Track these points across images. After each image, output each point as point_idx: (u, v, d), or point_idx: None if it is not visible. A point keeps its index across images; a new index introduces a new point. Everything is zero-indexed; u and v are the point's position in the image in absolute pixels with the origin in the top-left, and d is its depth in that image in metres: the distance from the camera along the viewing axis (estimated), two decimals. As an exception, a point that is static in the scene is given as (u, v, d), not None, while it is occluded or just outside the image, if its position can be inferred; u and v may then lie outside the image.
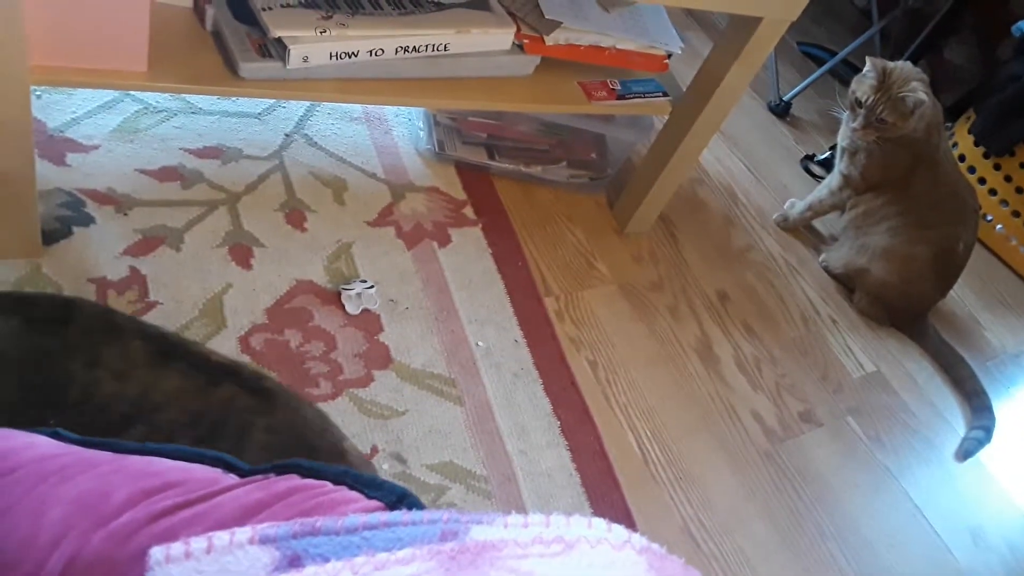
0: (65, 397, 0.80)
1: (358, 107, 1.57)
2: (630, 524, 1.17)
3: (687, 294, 1.55)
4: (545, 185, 1.60)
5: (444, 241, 1.41)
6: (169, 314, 1.15)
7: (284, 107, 1.50)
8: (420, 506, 0.55)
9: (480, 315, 1.32)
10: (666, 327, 1.47)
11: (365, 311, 1.25)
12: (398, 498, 0.56)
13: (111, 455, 0.54)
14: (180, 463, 0.56)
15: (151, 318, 1.13)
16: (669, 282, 1.56)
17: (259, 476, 0.57)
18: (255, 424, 0.83)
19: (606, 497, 1.19)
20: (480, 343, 1.29)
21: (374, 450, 1.11)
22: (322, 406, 1.11)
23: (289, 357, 1.16)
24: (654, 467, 1.26)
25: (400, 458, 1.12)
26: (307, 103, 1.52)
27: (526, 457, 1.18)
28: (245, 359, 1.14)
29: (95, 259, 1.16)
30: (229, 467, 0.58)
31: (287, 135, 1.46)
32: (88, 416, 0.80)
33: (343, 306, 1.25)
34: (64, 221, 1.19)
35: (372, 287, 1.27)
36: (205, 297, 1.19)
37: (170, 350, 0.87)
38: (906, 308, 1.68)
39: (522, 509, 1.14)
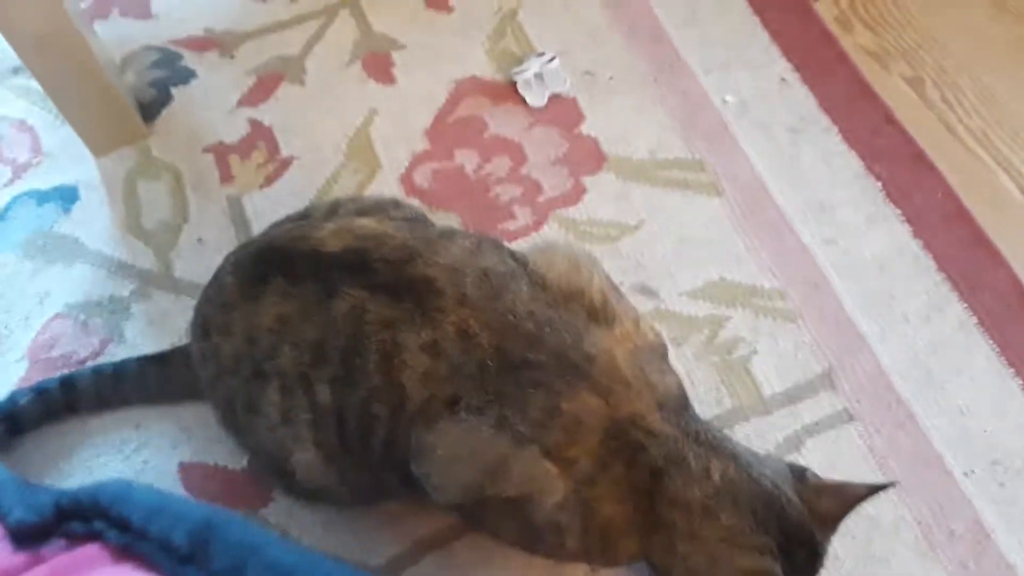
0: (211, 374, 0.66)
1: None
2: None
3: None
4: None
5: (643, -35, 0.99)
6: (309, 168, 0.90)
7: None
8: None
9: (720, 57, 0.95)
10: (1024, -8, 0.95)
11: (553, 97, 0.91)
12: None
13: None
14: None
15: (289, 177, 0.89)
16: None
17: None
18: (405, 346, 0.54)
19: (984, 278, 0.79)
20: (729, 98, 0.91)
21: (610, 287, 0.78)
22: (526, 240, 0.81)
23: (468, 187, 0.87)
24: (1051, 215, 0.80)
25: (647, 290, 0.79)
26: None
27: (837, 247, 0.81)
28: (414, 202, 0.85)
29: (206, 121, 0.93)
30: None
31: None
32: (225, 391, 0.64)
33: (523, 99, 0.89)
34: (159, 84, 0.95)
35: (553, 59, 0.90)
36: (347, 134, 0.92)
37: (267, 264, 0.60)
38: None
39: (845, 322, 0.76)
